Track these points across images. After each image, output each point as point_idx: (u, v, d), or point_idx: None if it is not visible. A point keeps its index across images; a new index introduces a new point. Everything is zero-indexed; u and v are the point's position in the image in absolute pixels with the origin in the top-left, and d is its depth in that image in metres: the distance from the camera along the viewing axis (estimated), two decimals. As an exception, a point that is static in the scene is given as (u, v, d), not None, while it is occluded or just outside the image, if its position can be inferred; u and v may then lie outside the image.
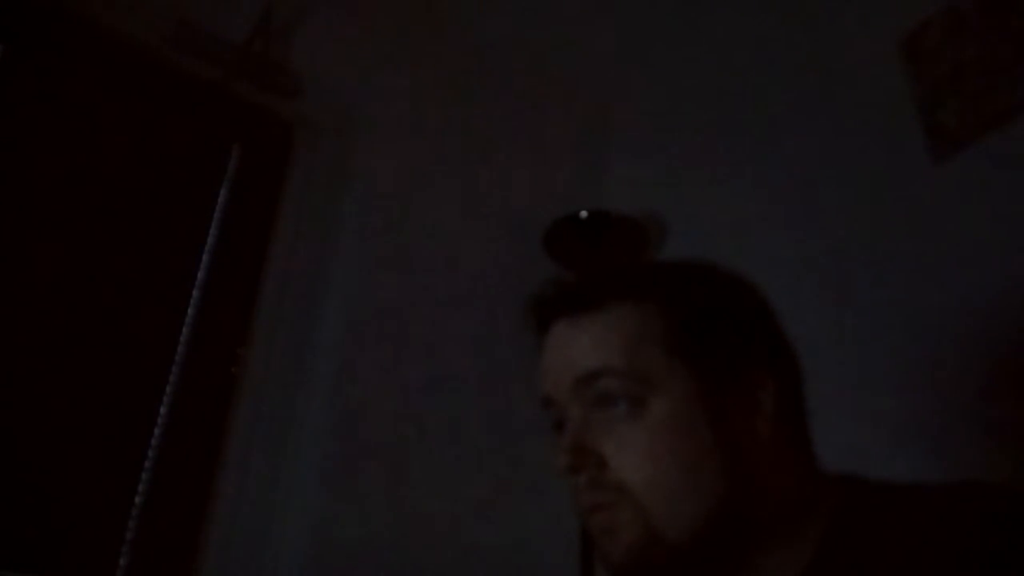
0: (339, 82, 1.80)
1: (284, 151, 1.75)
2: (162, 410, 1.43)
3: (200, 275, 1.55)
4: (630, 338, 0.64)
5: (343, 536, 1.43)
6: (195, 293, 1.54)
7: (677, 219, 1.81)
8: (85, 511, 1.31)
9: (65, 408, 1.34)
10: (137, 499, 1.36)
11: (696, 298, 0.66)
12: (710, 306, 0.66)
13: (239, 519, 1.41)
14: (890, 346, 1.27)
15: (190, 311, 1.52)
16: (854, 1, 1.54)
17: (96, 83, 1.56)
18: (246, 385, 1.51)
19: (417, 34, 1.96)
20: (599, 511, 0.62)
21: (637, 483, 0.60)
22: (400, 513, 1.50)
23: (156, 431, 1.41)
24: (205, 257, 1.57)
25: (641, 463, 0.61)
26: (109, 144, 1.53)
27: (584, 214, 1.72)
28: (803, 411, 0.67)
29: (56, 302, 1.39)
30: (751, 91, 1.75)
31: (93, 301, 1.42)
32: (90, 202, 1.48)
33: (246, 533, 1.40)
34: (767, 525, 0.61)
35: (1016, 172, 1.17)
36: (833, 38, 1.57)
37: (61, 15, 1.51)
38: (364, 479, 1.49)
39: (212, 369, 1.51)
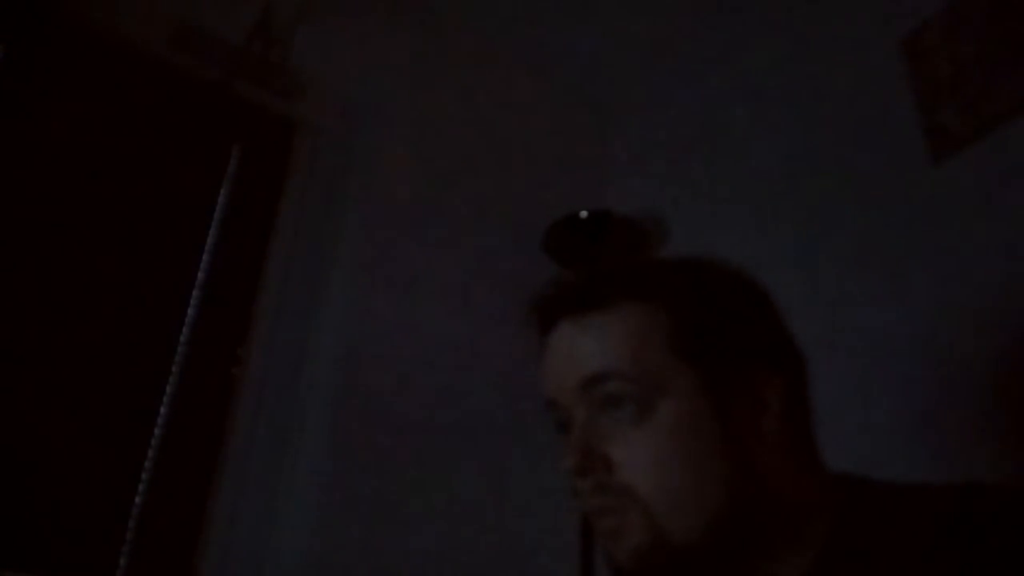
0: (339, 82, 1.80)
1: (284, 151, 1.75)
2: (162, 410, 1.43)
3: (200, 275, 1.55)
4: (636, 339, 0.63)
5: (343, 536, 1.43)
6: (195, 293, 1.53)
7: (677, 219, 1.81)
8: (85, 511, 1.30)
9: (65, 408, 1.34)
10: (137, 499, 1.36)
11: (702, 297, 0.66)
12: (716, 305, 0.66)
13: (239, 519, 1.41)
14: (890, 346, 1.27)
15: (190, 311, 1.52)
16: (854, 1, 1.55)
17: (96, 83, 1.55)
18: (246, 385, 1.51)
19: (417, 34, 1.96)
20: (606, 514, 0.62)
21: (644, 486, 0.60)
22: (400, 514, 1.49)
23: (156, 431, 1.41)
24: (205, 257, 1.57)
25: (648, 466, 0.60)
26: (109, 144, 1.53)
27: (584, 214, 1.72)
28: (809, 410, 0.67)
29: (56, 302, 1.39)
30: (751, 91, 1.75)
31: (93, 301, 1.42)
32: (90, 202, 1.48)
33: (246, 533, 1.40)
34: (773, 526, 0.61)
35: (1016, 172, 1.17)
36: (833, 38, 1.57)
37: (61, 16, 1.51)
38: (364, 479, 1.49)
39: (212, 369, 1.51)
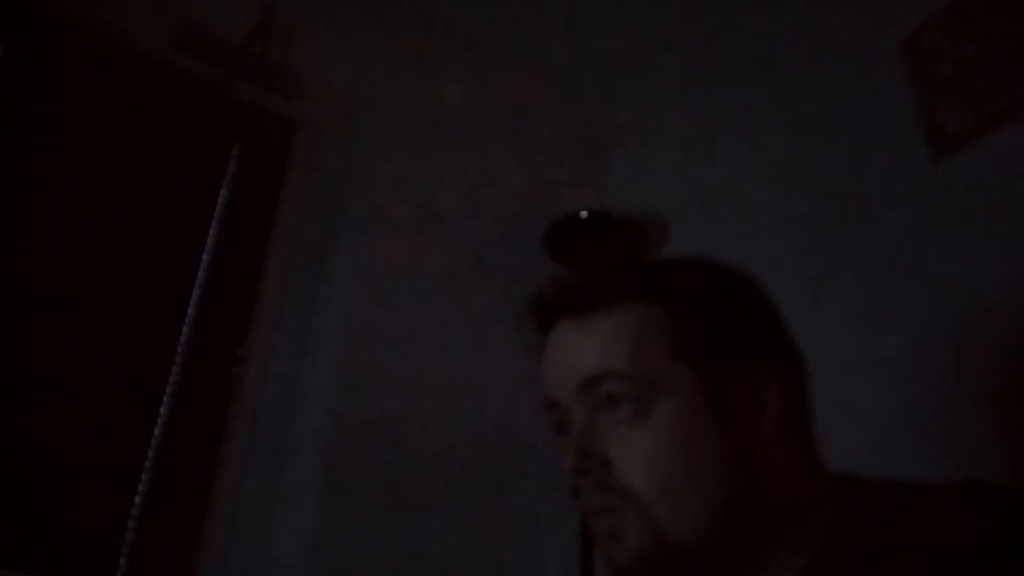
0: (339, 82, 1.80)
1: (284, 151, 1.75)
2: (162, 410, 1.43)
3: (200, 275, 1.55)
4: (635, 339, 0.63)
5: (342, 537, 1.43)
6: (195, 293, 1.54)
7: (677, 219, 1.81)
8: (85, 511, 1.31)
9: (65, 408, 1.34)
10: (137, 499, 1.36)
11: (701, 298, 0.66)
12: (715, 306, 0.66)
13: (239, 520, 1.41)
14: (890, 345, 1.27)
15: (190, 311, 1.52)
16: (854, 1, 1.55)
17: (96, 83, 1.56)
18: (246, 385, 1.51)
19: (416, 34, 1.96)
20: (604, 514, 0.62)
21: (642, 486, 0.60)
22: (399, 514, 1.49)
23: (156, 432, 1.41)
24: (205, 257, 1.57)
25: (646, 466, 0.60)
26: (109, 144, 1.53)
27: (584, 214, 1.72)
28: (807, 410, 0.67)
29: (56, 302, 1.39)
30: (751, 91, 1.75)
31: (93, 301, 1.42)
32: (90, 202, 1.48)
33: (246, 534, 1.40)
34: (771, 526, 0.61)
35: (1016, 172, 1.17)
36: (833, 38, 1.57)
37: (61, 16, 1.51)
38: (363, 480, 1.49)
39: (212, 369, 1.51)
